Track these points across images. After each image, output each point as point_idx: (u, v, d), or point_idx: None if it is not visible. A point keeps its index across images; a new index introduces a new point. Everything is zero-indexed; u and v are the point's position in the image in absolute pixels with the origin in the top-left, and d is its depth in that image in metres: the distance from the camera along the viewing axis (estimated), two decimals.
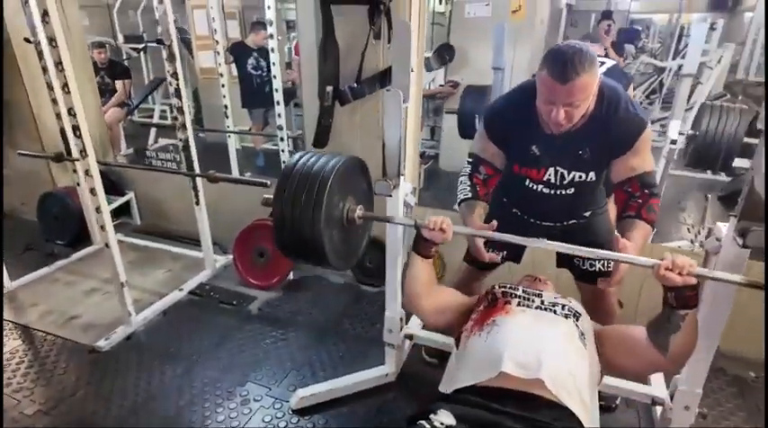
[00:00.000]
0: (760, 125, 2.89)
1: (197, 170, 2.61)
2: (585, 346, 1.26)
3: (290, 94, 4.67)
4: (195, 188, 2.69)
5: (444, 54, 4.28)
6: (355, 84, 2.36)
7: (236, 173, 4.04)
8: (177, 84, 2.43)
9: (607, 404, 1.88)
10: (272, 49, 3.10)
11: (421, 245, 1.47)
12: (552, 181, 1.55)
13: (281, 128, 3.24)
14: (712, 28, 4.47)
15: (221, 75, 3.96)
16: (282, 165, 2.82)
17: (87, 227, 3.18)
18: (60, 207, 3.26)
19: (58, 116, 2.71)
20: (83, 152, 2.10)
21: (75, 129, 2.05)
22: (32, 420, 1.87)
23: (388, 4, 2.18)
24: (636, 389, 1.74)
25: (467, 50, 4.23)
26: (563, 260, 1.81)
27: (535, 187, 1.58)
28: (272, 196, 1.44)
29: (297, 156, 1.46)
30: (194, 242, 2.99)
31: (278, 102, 3.19)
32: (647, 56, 6.20)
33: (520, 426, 0.99)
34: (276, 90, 3.17)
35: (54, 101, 2.66)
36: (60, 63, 1.92)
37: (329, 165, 1.39)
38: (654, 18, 8.18)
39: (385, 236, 1.81)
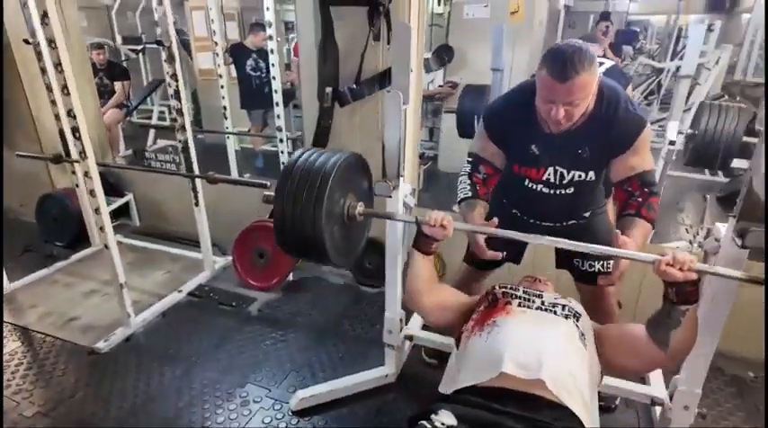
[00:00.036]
0: (758, 126, 2.90)
1: (196, 171, 2.60)
2: (586, 347, 1.26)
3: (289, 96, 4.67)
4: (194, 189, 2.69)
5: (443, 55, 4.29)
6: (355, 86, 2.36)
7: (235, 175, 4.04)
8: (177, 86, 2.43)
9: (606, 404, 1.88)
10: (272, 51, 3.10)
11: (422, 241, 1.48)
12: (552, 180, 1.55)
13: (280, 129, 3.24)
14: (710, 29, 4.50)
15: (220, 76, 3.96)
16: (282, 167, 2.82)
17: (86, 228, 3.17)
18: (59, 208, 3.26)
19: (57, 117, 2.72)
20: (82, 153, 2.10)
21: (75, 130, 2.05)
22: (32, 421, 1.87)
23: (387, 5, 2.18)
24: (635, 390, 1.74)
25: (465, 51, 4.25)
26: (562, 261, 1.82)
27: (534, 187, 1.59)
28: (272, 193, 1.44)
29: (298, 152, 1.47)
30: (193, 243, 2.99)
31: (277, 104, 3.20)
32: (644, 57, 6.23)
33: (520, 426, 0.99)
34: (275, 91, 3.18)
35: (53, 102, 2.66)
36: (60, 64, 1.92)
37: (331, 162, 1.39)
38: (651, 19, 8.22)
39: (384, 238, 1.81)
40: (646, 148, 1.45)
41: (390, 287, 1.89)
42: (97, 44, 4.61)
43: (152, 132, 5.51)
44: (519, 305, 1.33)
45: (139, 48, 6.26)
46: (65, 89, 1.97)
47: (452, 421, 0.98)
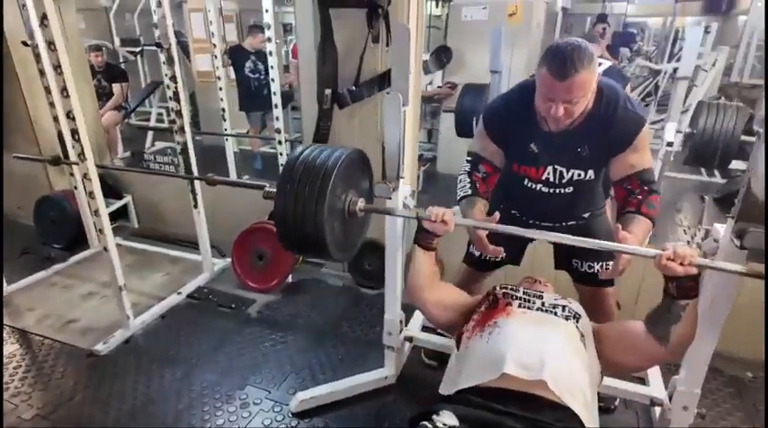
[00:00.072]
0: (756, 127, 2.91)
1: (195, 173, 2.60)
2: (586, 348, 1.27)
3: (288, 97, 4.69)
4: (193, 191, 2.69)
5: (442, 57, 4.30)
6: (354, 87, 2.37)
7: (233, 176, 4.05)
8: (176, 88, 2.43)
9: (606, 405, 1.89)
10: (271, 53, 3.11)
11: (422, 236, 1.48)
12: (551, 179, 1.55)
13: (278, 131, 3.25)
14: (707, 31, 4.52)
15: (219, 78, 3.96)
16: (281, 168, 2.82)
17: (84, 230, 3.17)
18: (57, 210, 3.25)
19: (56, 119, 2.71)
20: (81, 155, 2.10)
21: (74, 132, 2.05)
22: (30, 424, 1.86)
23: (386, 7, 2.19)
24: (635, 390, 1.75)
25: (464, 53, 4.26)
26: (561, 262, 1.83)
27: (534, 186, 1.59)
28: (273, 189, 1.44)
29: (301, 148, 1.48)
30: (192, 245, 2.99)
31: (276, 105, 3.20)
32: (642, 59, 6.25)
33: (522, 426, 0.99)
34: (274, 93, 3.18)
35: (51, 104, 2.66)
36: (59, 66, 1.92)
37: (333, 157, 1.40)
38: (648, 21, 8.25)
39: (383, 239, 1.81)
40: (645, 147, 1.46)
41: (390, 288, 1.89)
42: (95, 46, 4.61)
43: (150, 134, 5.51)
44: (519, 306, 1.33)
45: (138, 50, 6.26)
46: (64, 91, 1.97)
47: (454, 421, 0.98)
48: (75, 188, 3.00)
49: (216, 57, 4.02)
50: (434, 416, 1.00)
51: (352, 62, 2.33)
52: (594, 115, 1.42)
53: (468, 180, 1.61)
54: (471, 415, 1.01)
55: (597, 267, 1.72)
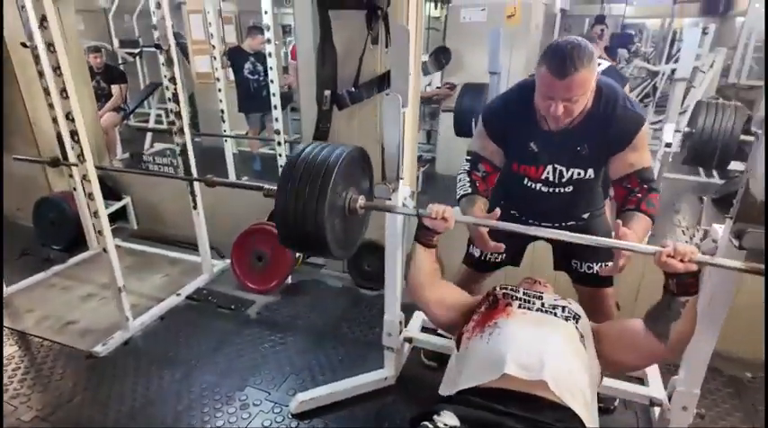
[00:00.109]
0: (754, 128, 2.92)
1: (195, 174, 2.60)
2: (585, 348, 1.27)
3: (287, 99, 4.69)
4: (193, 192, 2.68)
5: (441, 58, 4.31)
6: (353, 89, 2.37)
7: (232, 178, 4.05)
8: (175, 89, 2.43)
9: (605, 405, 1.89)
10: (270, 54, 3.11)
11: (423, 233, 1.49)
12: (551, 179, 1.56)
13: (278, 132, 3.25)
14: (704, 32, 4.54)
15: (218, 79, 3.96)
16: (280, 170, 2.83)
17: (84, 231, 3.17)
18: (56, 212, 3.24)
19: (55, 120, 2.71)
20: (80, 156, 2.10)
21: (74, 133, 2.05)
22: (30, 426, 1.86)
23: (385, 9, 2.19)
24: (634, 391, 1.75)
25: (462, 54, 4.27)
26: (560, 263, 1.83)
27: (534, 186, 1.60)
28: (273, 187, 1.45)
29: (302, 145, 1.48)
30: (192, 246, 2.99)
31: (275, 107, 3.20)
32: (640, 60, 6.26)
33: (522, 427, 0.99)
34: (273, 94, 3.18)
35: (51, 105, 2.65)
36: (58, 68, 1.92)
37: (334, 155, 1.40)
38: (646, 23, 8.27)
39: (383, 240, 1.82)
40: (644, 145, 1.46)
41: (390, 289, 1.89)
42: (94, 47, 4.61)
43: (149, 135, 5.51)
44: (519, 306, 1.34)
45: (136, 51, 6.26)
46: (63, 92, 1.97)
47: (455, 421, 0.98)
48: (75, 189, 3.00)
49: (215, 58, 4.02)
50: (435, 416, 1.00)
51: (352, 63, 2.33)
52: (594, 114, 1.42)
53: (468, 179, 1.61)
54: (472, 416, 1.02)
55: (596, 268, 1.72)
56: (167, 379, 2.09)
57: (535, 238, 1.80)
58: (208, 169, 2.68)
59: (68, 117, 2.02)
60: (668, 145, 2.99)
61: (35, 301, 2.68)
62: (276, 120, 3.23)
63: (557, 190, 1.58)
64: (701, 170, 4.59)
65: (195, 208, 2.72)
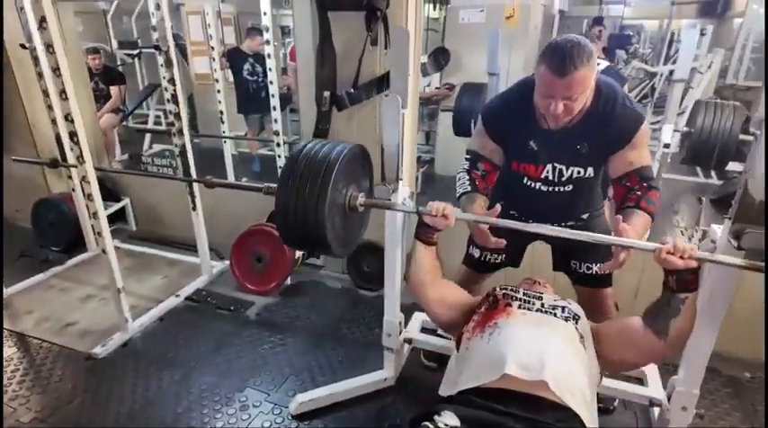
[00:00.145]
0: (753, 128, 2.93)
1: (194, 175, 2.60)
2: (585, 348, 1.27)
3: (286, 100, 4.69)
4: (192, 194, 2.68)
5: (440, 59, 4.31)
6: (352, 90, 2.37)
7: (231, 179, 4.04)
8: (174, 90, 2.43)
9: (605, 406, 1.89)
10: (269, 55, 3.11)
11: (423, 231, 1.49)
12: (550, 178, 1.56)
13: (277, 133, 3.24)
14: (702, 34, 4.55)
15: (217, 80, 3.96)
16: (279, 171, 2.82)
17: (82, 233, 3.16)
18: (55, 213, 3.24)
19: (54, 122, 2.71)
20: (80, 158, 2.09)
21: (73, 135, 2.05)
22: (29, 427, 1.85)
23: (384, 10, 2.20)
24: (633, 391, 1.75)
25: (461, 55, 4.27)
26: (560, 263, 1.83)
27: (533, 185, 1.60)
28: (274, 185, 1.45)
29: (303, 143, 1.48)
30: (191, 248, 2.99)
31: (274, 108, 3.20)
32: (638, 61, 6.28)
33: (523, 427, 0.99)
34: (272, 95, 3.18)
35: (50, 107, 2.65)
36: (58, 69, 1.92)
37: (335, 152, 1.40)
38: (644, 24, 8.29)
39: (382, 241, 1.82)
40: (644, 144, 1.47)
41: (389, 290, 1.89)
42: (93, 49, 4.61)
43: (148, 136, 5.50)
44: (519, 307, 1.34)
45: (135, 52, 6.25)
46: (63, 94, 1.97)
47: (455, 422, 0.98)
48: (73, 190, 2.99)
49: (214, 59, 4.02)
50: (436, 417, 1.00)
51: (351, 64, 2.33)
52: (593, 113, 1.43)
53: (468, 177, 1.61)
54: (472, 416, 1.02)
55: (595, 268, 1.72)
56: (167, 381, 2.09)
57: (534, 239, 1.80)
58: (207, 170, 2.68)
59: (68, 118, 2.02)
60: (666, 145, 3.00)
61: (34, 303, 2.68)
62: (275, 121, 3.23)
63: (556, 189, 1.58)
64: (699, 171, 4.60)
65: (194, 209, 2.72)
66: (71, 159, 2.61)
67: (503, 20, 3.92)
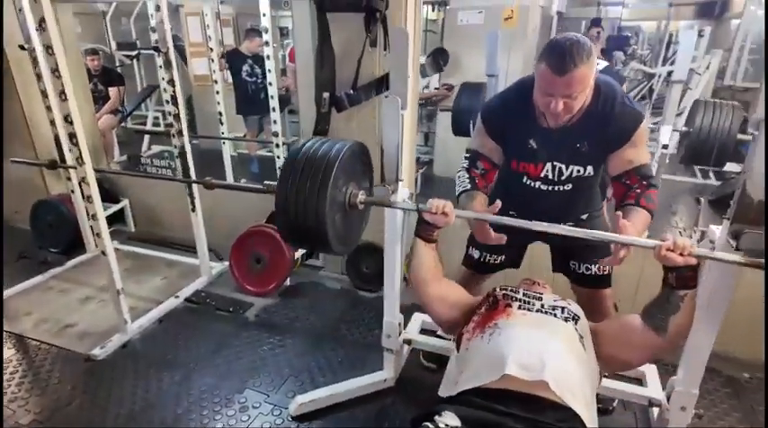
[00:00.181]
0: (751, 129, 2.94)
1: (193, 177, 2.60)
2: (585, 349, 1.27)
3: (285, 101, 4.68)
4: (191, 195, 2.68)
5: (439, 59, 4.32)
6: (352, 91, 2.38)
7: (230, 180, 4.04)
8: (173, 91, 2.43)
9: (604, 406, 1.89)
10: (268, 57, 3.11)
11: (423, 228, 1.50)
12: (550, 176, 1.57)
13: (276, 134, 3.24)
14: (700, 35, 4.57)
15: (215, 82, 3.96)
16: (278, 172, 2.83)
17: (81, 234, 3.15)
18: (54, 214, 3.23)
19: (53, 123, 2.71)
20: (79, 159, 2.09)
21: (72, 136, 2.05)
22: None
23: (383, 11, 2.20)
24: (633, 391, 1.76)
25: (460, 57, 4.28)
26: (559, 264, 1.84)
27: (533, 184, 1.60)
28: (275, 183, 1.45)
29: (302, 140, 1.49)
30: (190, 249, 2.98)
31: (273, 109, 3.20)
32: (636, 62, 6.29)
33: (523, 427, 1.00)
34: (271, 97, 3.18)
35: (48, 108, 2.65)
36: (57, 70, 1.92)
37: (335, 149, 1.40)
38: (642, 25, 8.31)
39: (381, 242, 1.82)
40: (643, 142, 1.47)
41: (389, 290, 1.89)
42: (92, 50, 4.61)
43: (147, 138, 5.50)
44: (519, 307, 1.34)
45: (134, 53, 6.25)
46: (62, 95, 1.97)
47: (456, 422, 0.98)
48: (72, 192, 2.99)
49: (213, 60, 4.02)
50: (436, 417, 1.00)
51: (350, 66, 2.34)
52: (593, 111, 1.43)
53: (467, 175, 1.62)
54: (473, 416, 1.02)
55: (595, 269, 1.73)
56: (166, 382, 2.09)
57: (534, 239, 1.81)
58: (206, 171, 2.69)
59: (67, 119, 2.02)
60: (665, 146, 3.00)
61: (33, 304, 2.67)
62: (274, 122, 3.23)
63: (556, 188, 1.58)
64: (697, 171, 4.61)
65: (193, 210, 2.72)
66: (70, 160, 2.61)
67: (501, 21, 3.93)
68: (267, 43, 3.06)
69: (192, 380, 2.09)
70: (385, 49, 2.29)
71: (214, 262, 3.01)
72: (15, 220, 3.57)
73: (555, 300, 1.38)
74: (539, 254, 1.88)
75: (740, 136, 2.77)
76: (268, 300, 2.71)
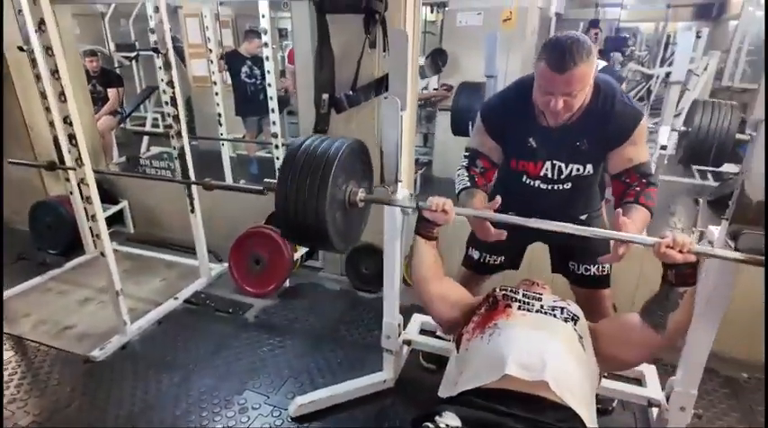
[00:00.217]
0: (749, 130, 2.95)
1: (192, 178, 2.60)
2: (584, 349, 1.28)
3: (284, 102, 4.70)
4: (190, 196, 2.68)
5: (438, 60, 4.33)
6: (351, 92, 2.38)
7: (230, 181, 4.04)
8: (173, 93, 2.43)
9: (604, 406, 1.89)
10: (267, 58, 3.12)
11: (422, 225, 1.50)
12: (549, 175, 1.57)
13: (275, 135, 3.25)
14: (698, 36, 4.58)
15: (215, 83, 3.96)
16: (277, 173, 2.83)
17: (80, 236, 3.15)
18: (53, 216, 3.23)
19: (52, 124, 2.71)
20: (78, 160, 2.09)
21: (71, 137, 2.05)
22: None
23: (383, 13, 2.20)
24: (632, 391, 1.76)
25: (459, 58, 4.29)
26: (558, 265, 1.84)
27: (532, 183, 1.61)
28: (274, 181, 1.45)
29: (302, 138, 1.48)
30: (189, 250, 2.98)
31: (272, 110, 3.21)
32: (634, 63, 6.32)
33: (523, 427, 1.00)
34: (270, 98, 3.19)
35: (47, 109, 2.65)
36: (57, 71, 1.92)
37: (334, 147, 1.40)
38: (640, 26, 8.34)
39: (380, 243, 1.82)
40: (642, 140, 1.48)
41: (388, 291, 1.89)
42: (90, 51, 4.61)
43: (145, 139, 5.50)
44: (519, 308, 1.34)
45: (133, 55, 6.26)
46: (62, 96, 1.97)
47: (456, 422, 0.99)
48: (71, 193, 2.98)
49: (212, 62, 4.02)
50: (437, 417, 1.00)
51: (350, 67, 2.34)
52: (592, 110, 1.44)
53: (467, 174, 1.62)
54: (473, 416, 1.02)
55: (594, 270, 1.73)
56: (165, 383, 2.08)
57: (534, 240, 1.81)
58: (205, 172, 2.69)
59: (66, 121, 2.02)
60: (663, 147, 3.01)
61: (31, 306, 2.67)
62: (273, 123, 3.24)
63: (555, 187, 1.59)
64: (696, 172, 4.63)
65: (193, 211, 2.72)
66: (69, 162, 2.61)
67: (500, 23, 3.94)
68: (266, 44, 3.07)
69: (191, 382, 2.09)
70: (384, 51, 2.30)
71: (213, 263, 3.00)
72: (14, 222, 3.56)
73: (554, 301, 1.38)
74: (538, 255, 1.89)
75: (739, 136, 2.79)
76: (267, 301, 2.71)
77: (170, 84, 2.41)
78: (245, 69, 4.51)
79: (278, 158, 3.26)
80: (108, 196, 3.41)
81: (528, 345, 1.19)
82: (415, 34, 2.37)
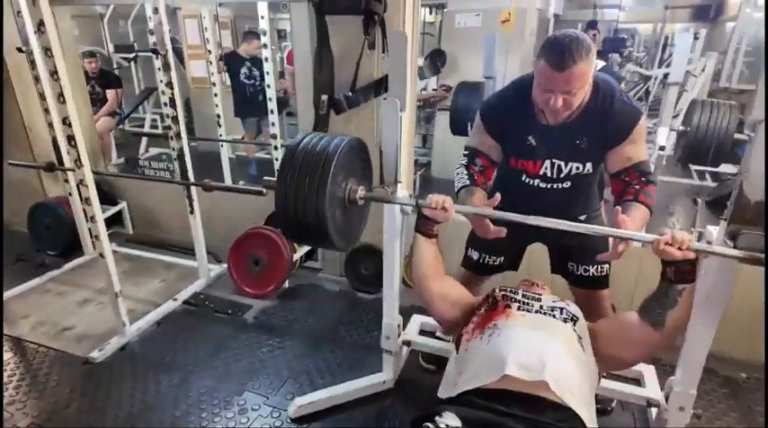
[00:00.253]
0: (747, 130, 2.96)
1: (192, 179, 2.60)
2: (584, 349, 1.28)
3: (283, 103, 4.70)
4: (190, 197, 2.68)
5: (437, 61, 4.34)
6: (350, 93, 2.38)
7: (229, 182, 4.04)
8: (172, 94, 2.43)
9: (603, 406, 1.90)
10: (266, 59, 3.12)
11: (422, 223, 1.50)
12: (549, 174, 1.57)
13: (274, 136, 3.25)
14: (696, 37, 4.60)
15: (214, 84, 3.96)
16: (276, 174, 2.83)
17: (79, 237, 3.15)
18: (52, 217, 3.22)
19: (51, 126, 2.70)
20: (77, 161, 2.09)
21: (71, 138, 2.05)
22: None
23: (382, 14, 2.21)
24: (631, 392, 1.76)
25: (457, 58, 4.30)
26: (557, 266, 1.84)
27: (531, 182, 1.61)
28: (273, 179, 1.45)
29: (300, 136, 1.48)
30: (188, 251, 2.98)
31: (271, 111, 3.21)
32: (632, 64, 6.34)
33: (523, 427, 1.00)
34: (269, 99, 3.19)
35: (46, 110, 2.65)
36: (56, 72, 1.92)
37: (333, 145, 1.40)
38: (638, 28, 8.37)
39: (380, 243, 1.82)
40: (641, 139, 1.48)
41: (388, 291, 1.89)
42: (89, 52, 4.61)
43: (144, 140, 5.50)
44: (519, 308, 1.35)
45: (131, 56, 6.26)
46: (60, 97, 1.96)
47: (456, 422, 0.99)
48: (70, 194, 2.98)
49: (211, 63, 4.02)
50: (437, 418, 1.01)
51: (349, 68, 2.34)
52: (591, 108, 1.44)
53: (466, 172, 1.62)
54: (473, 416, 1.02)
55: (593, 270, 1.73)
56: (165, 385, 2.08)
57: (533, 240, 1.81)
58: (204, 174, 2.69)
59: (65, 122, 2.02)
60: (662, 148, 3.02)
61: (30, 307, 2.66)
62: (272, 124, 3.24)
63: (555, 186, 1.59)
64: (694, 173, 4.64)
65: (192, 212, 2.72)
66: (68, 163, 2.61)
67: (498, 24, 3.94)
68: (265, 46, 3.08)
69: (190, 383, 2.09)
70: (383, 52, 2.30)
71: (212, 264, 3.00)
72: (13, 223, 3.55)
73: (554, 301, 1.39)
74: (537, 255, 1.89)
75: (737, 135, 2.80)
76: (267, 302, 2.71)
77: (169, 85, 2.41)
78: (244, 70, 4.51)
79: (277, 159, 3.26)
80: (107, 197, 3.41)
81: (527, 346, 1.19)
82: (413, 35, 2.37)
